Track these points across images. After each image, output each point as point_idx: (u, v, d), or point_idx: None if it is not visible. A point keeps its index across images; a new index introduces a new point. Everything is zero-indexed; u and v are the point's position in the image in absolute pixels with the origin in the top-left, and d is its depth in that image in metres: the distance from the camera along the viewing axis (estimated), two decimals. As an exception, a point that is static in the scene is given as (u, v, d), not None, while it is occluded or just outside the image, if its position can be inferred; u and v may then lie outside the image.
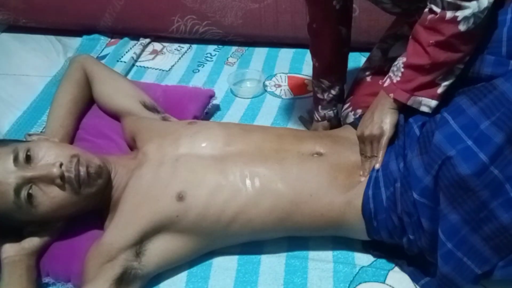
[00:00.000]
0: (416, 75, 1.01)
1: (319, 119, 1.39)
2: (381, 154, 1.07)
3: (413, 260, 1.08)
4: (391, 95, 1.05)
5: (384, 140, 1.07)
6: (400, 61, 1.04)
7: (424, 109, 1.04)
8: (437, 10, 0.95)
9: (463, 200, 0.92)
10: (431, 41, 0.97)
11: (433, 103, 1.03)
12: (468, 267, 0.95)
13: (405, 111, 1.07)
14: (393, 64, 1.06)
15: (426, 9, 0.98)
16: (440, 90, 1.02)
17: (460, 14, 0.93)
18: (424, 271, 1.06)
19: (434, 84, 1.01)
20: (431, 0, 0.96)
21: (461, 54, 0.98)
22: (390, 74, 1.07)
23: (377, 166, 1.07)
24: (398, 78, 1.04)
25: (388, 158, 1.07)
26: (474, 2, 0.92)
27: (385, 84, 1.07)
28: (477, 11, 0.92)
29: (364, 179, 1.07)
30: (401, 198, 1.01)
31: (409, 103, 1.04)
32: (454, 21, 0.94)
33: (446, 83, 1.01)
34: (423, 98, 1.03)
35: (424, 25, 0.98)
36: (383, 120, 1.06)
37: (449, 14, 0.94)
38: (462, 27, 0.94)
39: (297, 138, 1.18)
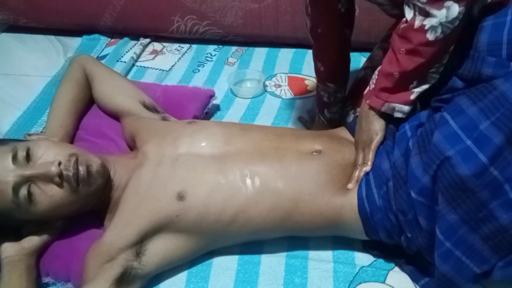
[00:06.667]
0: (386, 82, 1.03)
1: (325, 122, 1.39)
2: (370, 159, 1.08)
3: (413, 260, 1.08)
4: (368, 101, 1.07)
5: (373, 146, 1.09)
6: (379, 68, 1.06)
7: (398, 115, 1.06)
8: (409, 15, 0.96)
9: (462, 201, 0.92)
10: (402, 49, 0.99)
11: (406, 108, 1.05)
12: (467, 266, 0.94)
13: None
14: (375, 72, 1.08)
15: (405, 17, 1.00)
16: (412, 96, 1.03)
17: (427, 23, 0.94)
18: (424, 271, 1.06)
19: (406, 90, 1.03)
20: (406, 2, 0.97)
21: (430, 63, 0.99)
22: (371, 81, 1.08)
23: (368, 168, 1.08)
24: (373, 86, 1.06)
25: (380, 159, 1.08)
26: (443, 11, 0.92)
27: (365, 91, 1.09)
28: (444, 21, 0.93)
29: (351, 186, 1.08)
30: (394, 196, 1.02)
31: (383, 109, 1.06)
32: (422, 29, 0.95)
33: (419, 89, 1.03)
34: (396, 105, 1.05)
35: (398, 33, 1.00)
36: (370, 128, 1.09)
37: (417, 23, 0.95)
38: (429, 36, 0.95)
39: (296, 137, 1.18)
